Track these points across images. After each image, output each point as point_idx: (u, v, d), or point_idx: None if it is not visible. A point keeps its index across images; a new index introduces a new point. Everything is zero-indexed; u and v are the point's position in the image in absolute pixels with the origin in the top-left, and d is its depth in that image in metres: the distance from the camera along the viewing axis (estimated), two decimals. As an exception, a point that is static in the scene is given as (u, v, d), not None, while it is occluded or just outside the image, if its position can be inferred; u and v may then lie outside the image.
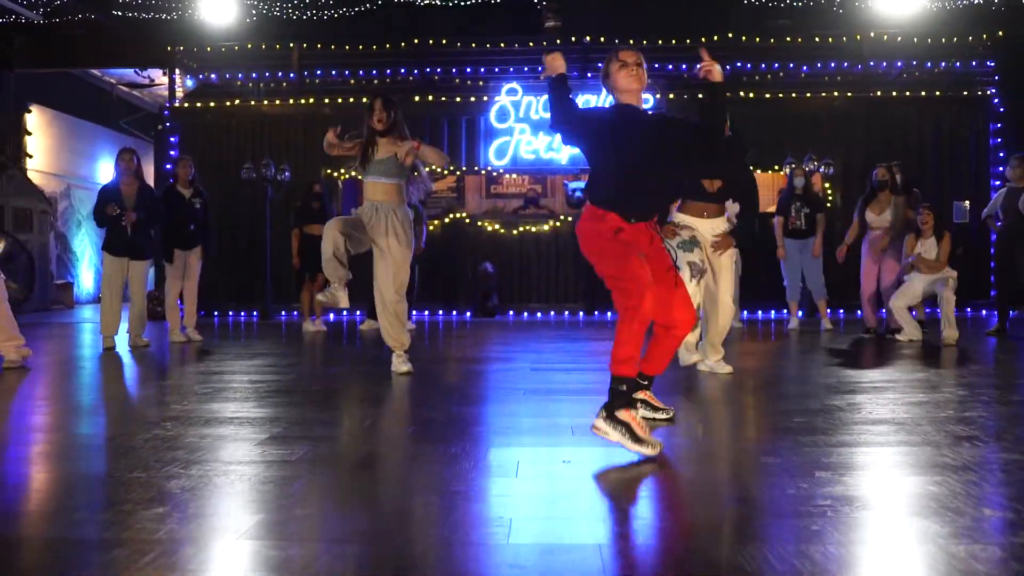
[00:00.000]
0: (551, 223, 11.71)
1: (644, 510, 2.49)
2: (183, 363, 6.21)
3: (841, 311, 10.74)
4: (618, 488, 2.68)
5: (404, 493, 2.66)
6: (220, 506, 2.41)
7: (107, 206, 6.78)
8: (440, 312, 11.62)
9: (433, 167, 5.69)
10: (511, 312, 11.60)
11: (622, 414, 3.01)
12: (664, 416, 3.64)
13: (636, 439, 2.97)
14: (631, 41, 12.13)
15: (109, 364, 6.16)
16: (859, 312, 8.77)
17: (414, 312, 11.30)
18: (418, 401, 4.44)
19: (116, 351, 6.83)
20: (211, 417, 3.80)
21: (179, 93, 12.49)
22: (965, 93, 11.83)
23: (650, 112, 3.62)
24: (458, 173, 12.25)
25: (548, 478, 2.78)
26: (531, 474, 2.81)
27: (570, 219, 11.56)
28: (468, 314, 11.46)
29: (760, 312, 11.14)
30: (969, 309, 11.30)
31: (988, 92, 11.73)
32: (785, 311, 10.03)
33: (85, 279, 15.95)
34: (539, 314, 11.53)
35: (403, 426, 3.86)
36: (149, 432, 3.47)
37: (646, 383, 3.53)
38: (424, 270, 10.04)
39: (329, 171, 11.55)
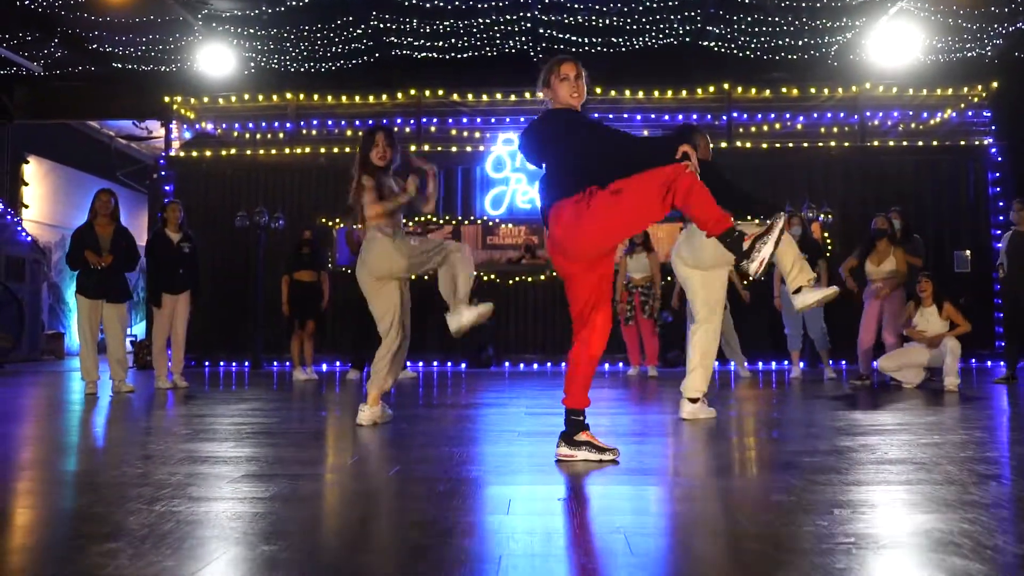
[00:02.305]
0: (547, 273, 11.57)
1: (648, 546, 2.26)
2: (164, 407, 5.98)
3: (844, 362, 10.50)
4: (620, 525, 2.46)
5: (386, 529, 2.44)
6: (179, 542, 2.19)
7: (84, 251, 6.64)
8: (435, 363, 11.39)
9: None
10: (507, 363, 11.37)
11: (579, 436, 3.34)
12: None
13: (599, 450, 3.31)
14: (627, 92, 12.26)
15: (87, 408, 5.92)
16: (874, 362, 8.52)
17: (408, 363, 11.11)
18: (407, 442, 4.22)
19: (97, 396, 6.59)
20: (185, 456, 3.57)
21: (175, 143, 12.48)
22: (962, 143, 11.84)
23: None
24: (453, 223, 12.14)
25: (541, 515, 2.56)
26: (523, 511, 2.58)
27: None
28: (463, 365, 11.23)
29: (760, 363, 10.92)
30: (974, 360, 11.10)
31: (985, 142, 11.74)
32: (787, 362, 9.83)
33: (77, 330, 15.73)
34: (535, 365, 11.31)
35: (390, 465, 3.63)
36: (118, 469, 3.24)
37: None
38: (418, 321, 9.85)
39: (324, 219, 11.45)
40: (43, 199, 14.98)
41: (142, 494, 2.76)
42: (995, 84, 11.84)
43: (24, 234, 13.45)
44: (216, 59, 12.01)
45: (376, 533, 2.41)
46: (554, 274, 11.51)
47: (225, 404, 6.10)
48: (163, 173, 12.08)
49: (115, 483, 2.96)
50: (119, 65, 13.06)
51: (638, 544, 2.16)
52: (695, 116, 12.20)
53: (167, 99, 12.35)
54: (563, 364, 11.61)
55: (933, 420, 4.90)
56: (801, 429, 4.70)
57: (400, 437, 4.36)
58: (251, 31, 12.16)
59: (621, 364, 10.50)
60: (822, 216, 10.55)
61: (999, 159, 11.52)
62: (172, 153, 12.24)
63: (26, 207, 14.44)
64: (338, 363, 11.14)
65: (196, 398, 6.61)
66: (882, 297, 7.69)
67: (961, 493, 2.74)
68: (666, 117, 12.05)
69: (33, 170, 14.72)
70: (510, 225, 13.75)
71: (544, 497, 2.80)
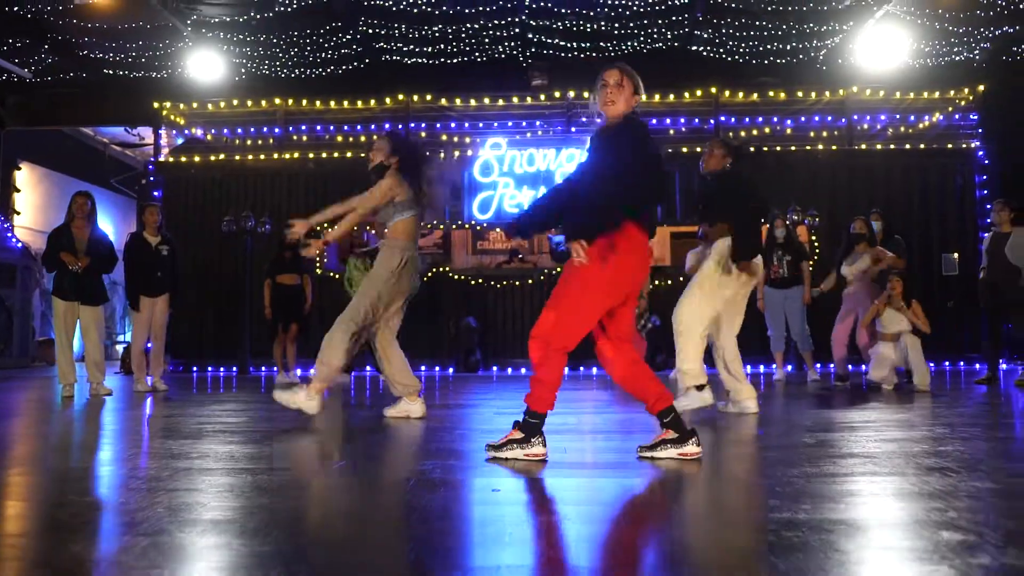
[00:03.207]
0: (534, 277, 11.57)
1: (602, 530, 2.26)
2: (136, 407, 5.97)
3: (831, 365, 10.45)
4: (565, 513, 2.46)
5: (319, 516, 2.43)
6: (96, 530, 2.19)
7: (60, 253, 6.66)
8: (423, 367, 11.38)
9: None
10: (495, 367, 11.36)
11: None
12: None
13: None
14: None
15: (60, 409, 5.92)
16: (860, 367, 8.46)
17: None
18: (357, 434, 4.21)
19: (74, 399, 6.59)
20: (140, 452, 3.57)
21: (165, 149, 12.53)
22: (950, 146, 11.85)
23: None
24: (441, 227, 12.15)
25: (478, 505, 2.55)
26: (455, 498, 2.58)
27: (554, 272, 11.42)
28: (451, 369, 11.22)
29: (749, 367, 10.88)
30: (963, 362, 11.07)
31: (972, 145, 11.74)
32: (772, 365, 9.81)
33: (69, 337, 15.74)
34: (523, 369, 11.29)
35: (334, 458, 3.62)
36: (63, 463, 3.24)
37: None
38: (407, 325, 9.87)
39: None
40: (35, 206, 15.03)
41: (76, 487, 2.76)
42: (982, 87, 11.85)
43: (15, 240, 13.49)
44: (205, 65, 12.06)
45: (324, 525, 2.41)
46: (542, 277, 11.50)
47: (199, 405, 6.10)
48: (152, 179, 12.11)
49: (55, 479, 2.96)
50: (110, 71, 13.13)
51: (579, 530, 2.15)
52: (683, 120, 12.22)
53: (156, 105, 12.39)
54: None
55: (901, 418, 4.89)
56: (771, 427, 4.69)
57: (351, 431, 4.36)
58: (240, 37, 12.21)
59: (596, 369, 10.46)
60: (807, 219, 10.54)
61: (986, 162, 11.51)
62: (161, 159, 12.28)
63: (18, 213, 14.49)
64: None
65: (172, 400, 6.61)
66: (855, 296, 7.71)
67: (902, 484, 2.73)
68: (654, 121, 12.06)
69: (25, 176, 14.78)
70: (500, 230, 13.76)
71: (481, 489, 2.79)
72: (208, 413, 5.45)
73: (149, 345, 7.66)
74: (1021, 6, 11.35)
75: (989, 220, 9.10)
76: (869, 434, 4.08)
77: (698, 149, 11.76)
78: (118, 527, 2.23)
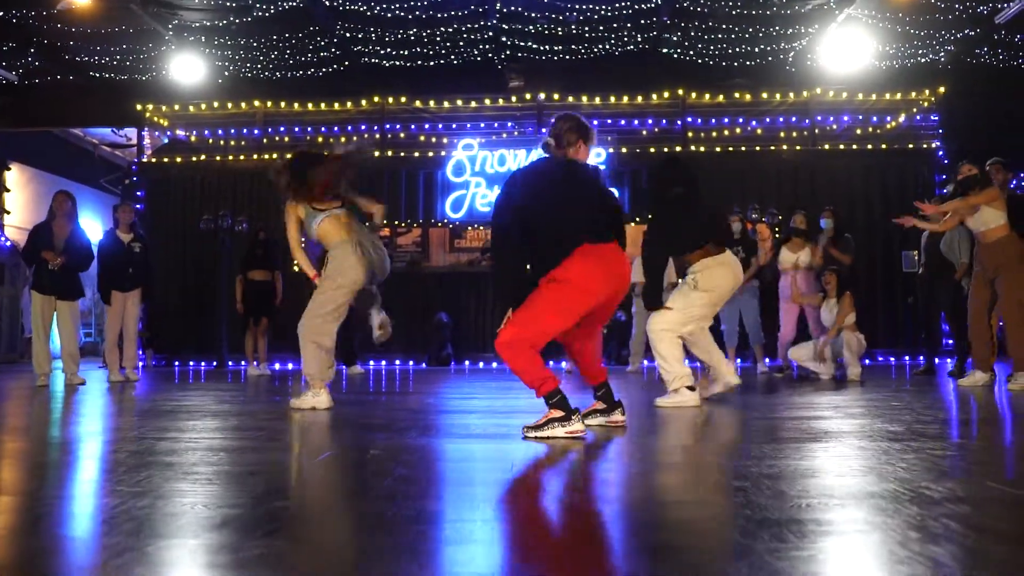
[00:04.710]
0: (508, 274, 11.86)
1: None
2: (106, 394, 6.31)
3: (780, 360, 10.77)
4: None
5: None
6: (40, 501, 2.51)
7: (41, 250, 7.01)
8: (397, 361, 11.72)
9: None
10: (467, 361, 11.69)
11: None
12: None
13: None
14: (584, 98, 12.57)
15: (31, 396, 6.25)
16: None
17: (372, 362, 11.45)
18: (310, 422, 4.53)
19: (48, 388, 6.93)
20: (97, 434, 3.90)
21: (149, 150, 12.87)
22: (911, 147, 12.17)
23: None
24: (414, 226, 12.44)
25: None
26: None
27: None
28: (423, 364, 11.55)
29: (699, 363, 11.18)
30: (922, 357, 11.37)
31: (933, 145, 12.06)
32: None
33: (58, 334, 16.08)
34: (494, 363, 11.61)
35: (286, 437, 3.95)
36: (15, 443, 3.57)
37: None
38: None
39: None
40: (25, 205, 15.36)
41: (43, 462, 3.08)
42: (942, 89, 12.17)
43: (4, 240, 13.83)
44: (187, 68, 12.41)
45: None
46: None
47: (166, 392, 6.43)
48: (135, 179, 12.46)
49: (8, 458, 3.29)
50: (95, 74, 13.48)
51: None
52: (650, 121, 12.54)
53: (140, 107, 12.73)
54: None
55: (808, 400, 5.21)
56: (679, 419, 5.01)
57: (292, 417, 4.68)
58: (221, 40, 12.56)
59: (564, 363, 10.78)
60: (767, 218, 10.86)
61: (946, 162, 11.82)
62: (144, 159, 12.62)
63: (7, 213, 14.83)
64: (291, 364, 11.39)
65: (143, 389, 6.93)
66: (798, 291, 8.03)
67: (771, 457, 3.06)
68: (622, 122, 12.38)
69: (15, 177, 15.12)
70: (480, 228, 14.05)
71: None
72: (168, 399, 5.78)
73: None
74: (980, 10, 11.69)
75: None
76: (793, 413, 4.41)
77: (665, 150, 12.12)
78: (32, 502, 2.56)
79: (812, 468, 2.58)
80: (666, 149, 12.11)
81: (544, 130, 12.23)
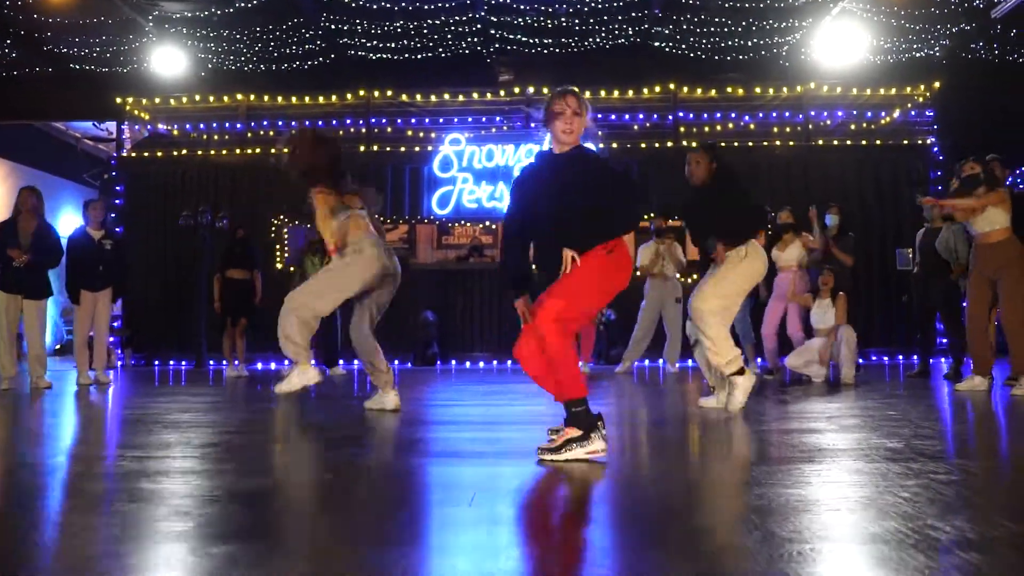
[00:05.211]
0: (495, 271, 11.63)
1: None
2: (73, 398, 6.06)
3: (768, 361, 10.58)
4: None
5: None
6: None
7: (7, 248, 6.74)
8: (382, 361, 11.45)
9: None
10: (453, 361, 11.46)
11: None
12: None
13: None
14: (575, 89, 12.32)
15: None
16: (783, 359, 8.53)
17: (355, 362, 11.17)
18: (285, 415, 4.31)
19: (12, 391, 6.67)
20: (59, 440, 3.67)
21: (128, 144, 12.58)
22: (905, 142, 11.96)
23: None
24: (400, 222, 12.19)
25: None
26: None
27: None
28: (408, 363, 11.31)
29: (691, 362, 10.98)
30: (916, 358, 11.18)
31: (928, 141, 11.86)
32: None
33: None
34: (481, 363, 11.39)
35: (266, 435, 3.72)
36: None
37: None
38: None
39: (281, 217, 11.47)
40: (3, 200, 15.03)
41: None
42: (937, 84, 11.97)
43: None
44: (168, 60, 12.10)
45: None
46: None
47: (134, 398, 6.19)
48: (115, 173, 12.18)
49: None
50: (75, 66, 13.17)
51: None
52: (641, 116, 12.31)
53: (120, 100, 12.43)
54: (509, 362, 11.53)
55: (798, 409, 5.00)
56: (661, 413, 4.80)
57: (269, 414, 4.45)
58: (203, 32, 12.27)
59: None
60: (760, 214, 10.63)
61: (941, 157, 11.64)
62: (124, 154, 12.33)
63: (-15, 208, 14.52)
64: (273, 364, 11.16)
65: (112, 392, 6.69)
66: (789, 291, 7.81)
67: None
68: (613, 117, 12.14)
69: (-6, 171, 14.81)
70: (467, 224, 13.81)
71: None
72: (136, 405, 5.54)
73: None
74: (976, 4, 11.48)
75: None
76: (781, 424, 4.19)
77: (656, 145, 11.89)
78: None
79: (805, 500, 2.36)
80: (657, 144, 11.88)
81: (533, 124, 12.02)
